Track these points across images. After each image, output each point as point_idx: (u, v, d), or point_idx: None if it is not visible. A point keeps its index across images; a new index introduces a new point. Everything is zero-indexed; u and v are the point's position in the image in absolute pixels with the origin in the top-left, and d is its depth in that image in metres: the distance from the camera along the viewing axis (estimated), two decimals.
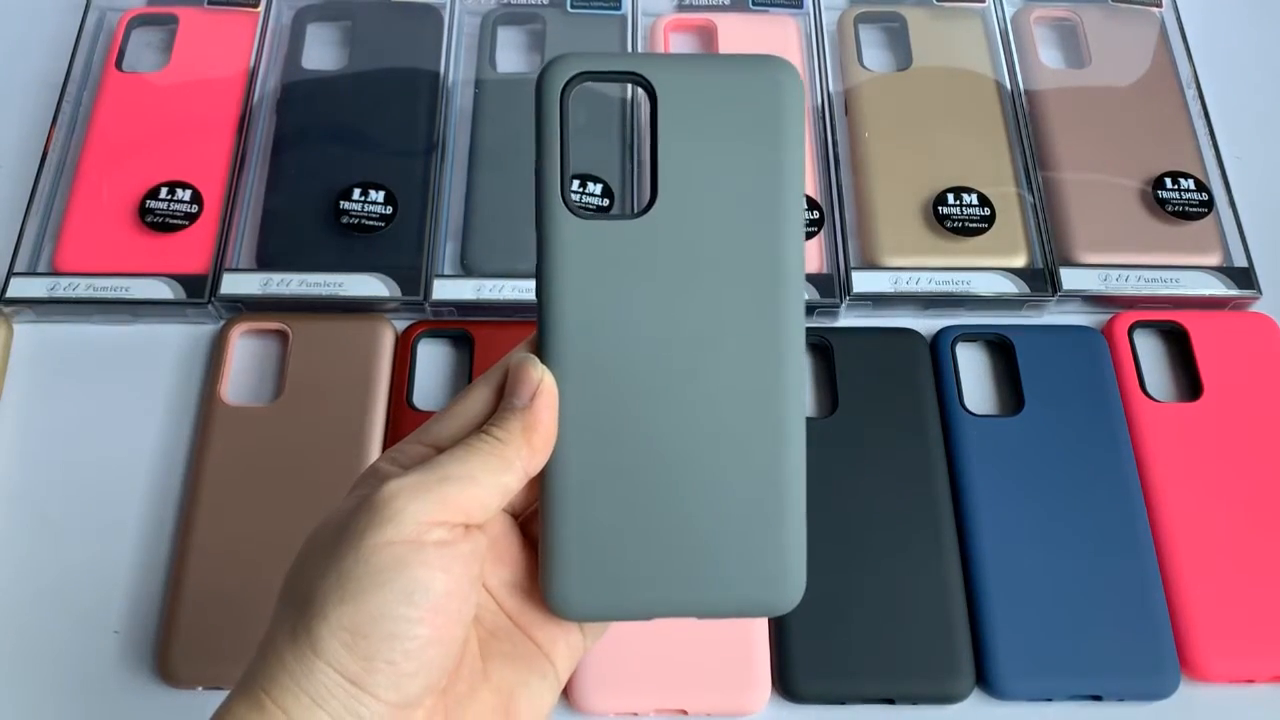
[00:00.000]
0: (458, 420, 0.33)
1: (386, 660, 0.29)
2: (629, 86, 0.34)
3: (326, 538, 0.31)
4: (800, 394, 0.34)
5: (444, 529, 0.30)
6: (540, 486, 0.33)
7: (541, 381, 0.32)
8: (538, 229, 0.33)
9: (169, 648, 0.50)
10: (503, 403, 0.33)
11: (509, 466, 0.32)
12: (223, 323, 0.60)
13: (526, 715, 0.34)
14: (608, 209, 0.61)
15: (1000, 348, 0.60)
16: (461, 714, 0.32)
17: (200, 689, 0.50)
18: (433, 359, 0.60)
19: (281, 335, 0.59)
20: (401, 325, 0.60)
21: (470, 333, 0.59)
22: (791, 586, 0.33)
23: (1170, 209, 0.62)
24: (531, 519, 0.35)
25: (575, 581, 0.33)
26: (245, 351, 0.59)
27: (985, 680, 0.51)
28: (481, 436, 0.32)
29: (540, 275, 0.33)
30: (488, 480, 0.31)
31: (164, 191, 0.61)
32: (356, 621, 0.29)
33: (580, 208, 0.32)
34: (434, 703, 0.31)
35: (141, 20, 0.69)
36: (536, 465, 0.32)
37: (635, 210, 0.33)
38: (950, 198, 0.62)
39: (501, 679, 0.33)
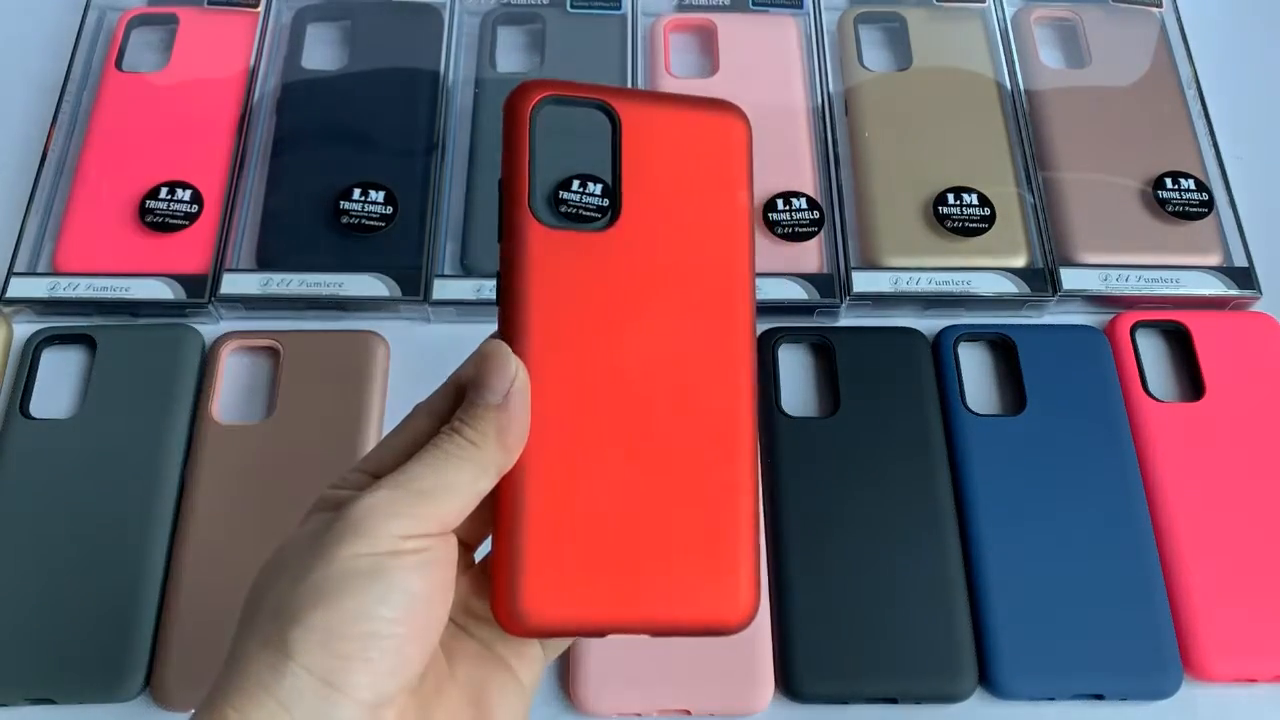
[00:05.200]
0: (400, 449, 0.32)
1: (363, 658, 0.29)
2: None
3: (292, 556, 0.31)
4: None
5: (420, 540, 0.30)
6: (493, 496, 0.32)
7: (516, 377, 0.31)
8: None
9: (162, 669, 0.50)
10: (471, 394, 0.31)
11: (484, 472, 0.31)
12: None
13: (500, 711, 0.33)
14: (608, 209, 0.61)
15: (1002, 347, 0.60)
16: (431, 713, 0.32)
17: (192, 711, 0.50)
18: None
19: (273, 352, 0.59)
20: (401, 326, 0.60)
21: None
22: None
23: (1170, 209, 0.62)
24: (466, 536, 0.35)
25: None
26: (236, 369, 0.59)
27: (988, 679, 0.50)
28: (454, 439, 0.31)
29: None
30: (464, 490, 0.31)
31: (164, 191, 0.61)
32: (332, 623, 0.29)
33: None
34: (405, 701, 0.31)
35: (141, 20, 0.69)
36: (509, 466, 0.32)
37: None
38: (950, 198, 0.62)
39: (469, 677, 0.33)
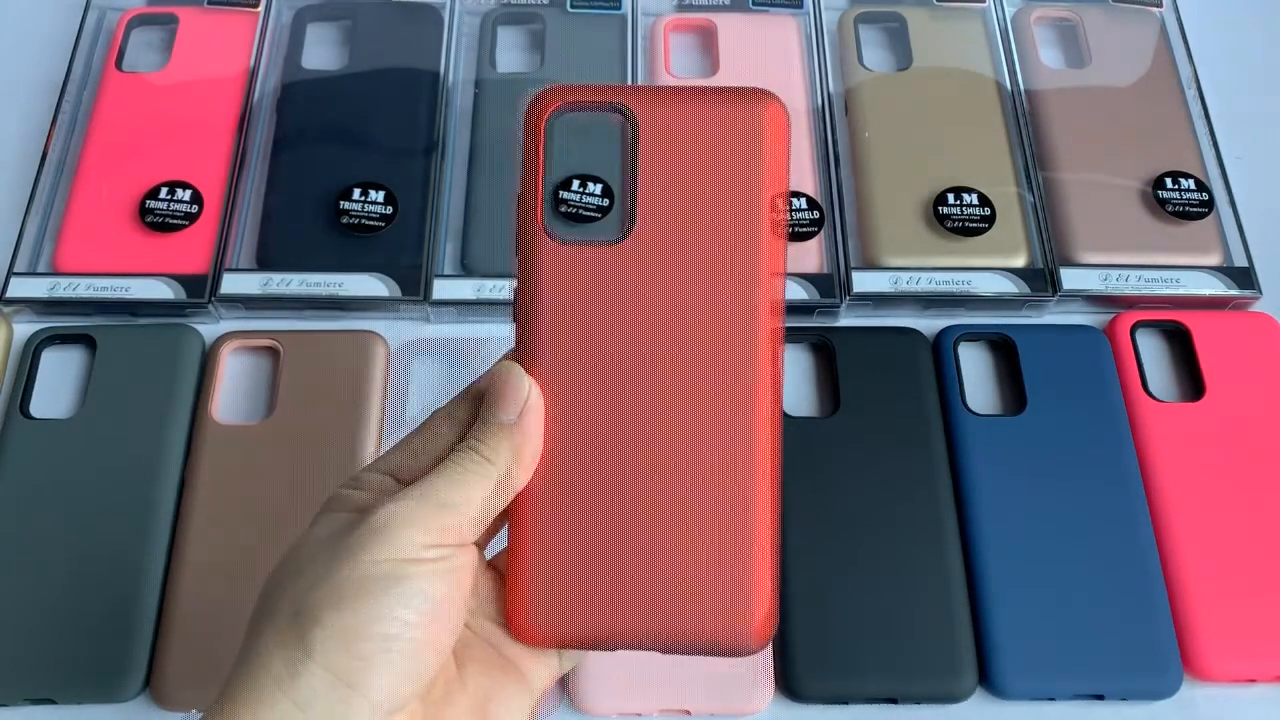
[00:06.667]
0: (421, 453, 0.33)
1: (383, 659, 0.29)
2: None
3: (310, 558, 0.31)
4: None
5: (440, 548, 0.31)
6: (508, 510, 0.33)
7: (529, 396, 0.32)
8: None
9: (162, 669, 0.50)
10: (486, 413, 0.32)
11: (499, 488, 0.32)
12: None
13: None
14: (608, 209, 0.61)
15: (1002, 347, 0.60)
16: (439, 718, 0.32)
17: (194, 712, 0.50)
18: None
19: (273, 351, 0.58)
20: (401, 326, 0.60)
21: None
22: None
23: (1170, 209, 0.62)
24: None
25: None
26: (236, 368, 0.59)
27: (988, 679, 0.50)
28: (471, 456, 0.32)
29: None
30: (481, 504, 0.32)
31: (164, 191, 0.61)
32: (353, 624, 0.29)
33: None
34: (414, 707, 0.31)
35: (141, 20, 0.69)
36: (523, 482, 0.33)
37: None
38: (950, 198, 0.62)
39: (477, 686, 0.33)
